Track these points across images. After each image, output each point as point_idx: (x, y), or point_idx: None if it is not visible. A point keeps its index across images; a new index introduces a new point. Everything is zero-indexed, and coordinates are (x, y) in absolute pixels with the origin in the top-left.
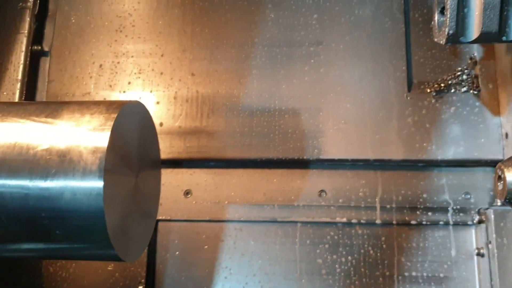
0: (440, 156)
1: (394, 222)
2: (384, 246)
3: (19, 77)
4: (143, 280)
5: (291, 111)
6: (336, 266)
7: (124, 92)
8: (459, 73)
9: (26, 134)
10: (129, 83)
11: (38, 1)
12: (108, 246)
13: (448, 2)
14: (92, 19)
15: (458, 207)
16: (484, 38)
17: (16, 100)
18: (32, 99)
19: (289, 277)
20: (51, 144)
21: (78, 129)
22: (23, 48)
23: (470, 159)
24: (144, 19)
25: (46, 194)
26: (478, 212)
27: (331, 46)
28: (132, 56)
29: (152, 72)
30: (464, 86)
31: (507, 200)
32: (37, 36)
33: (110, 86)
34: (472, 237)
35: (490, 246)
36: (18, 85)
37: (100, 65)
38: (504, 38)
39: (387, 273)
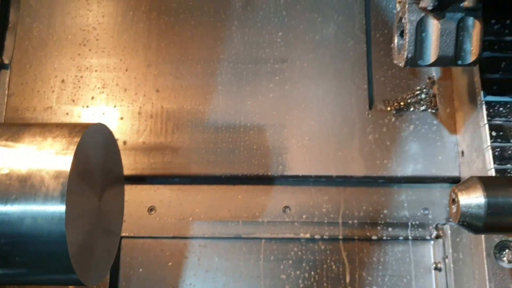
0: (399, 173)
1: (356, 237)
2: (346, 261)
3: None
4: None
5: (256, 128)
6: (300, 281)
7: (87, 106)
8: (418, 92)
9: None
10: (93, 98)
11: None
12: (70, 271)
13: (407, 26)
14: (55, 32)
15: (417, 222)
16: (441, 62)
17: None
18: None
19: None
20: (11, 168)
21: (40, 153)
22: None
23: (428, 176)
24: (109, 33)
25: (6, 219)
26: (436, 228)
27: (296, 64)
28: (96, 71)
29: (116, 87)
30: (423, 105)
31: (460, 223)
32: None
33: (73, 100)
34: (430, 252)
35: (447, 260)
36: None
37: (63, 79)
38: (460, 62)
39: None
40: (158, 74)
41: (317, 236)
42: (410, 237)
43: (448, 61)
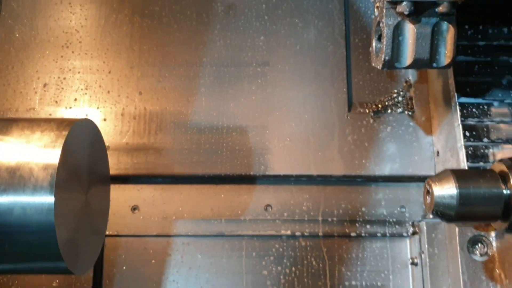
0: (377, 172)
1: (335, 234)
2: (326, 257)
3: None
4: None
5: (239, 129)
6: (281, 277)
7: (70, 108)
8: (395, 95)
9: None
10: (76, 99)
11: None
12: (59, 259)
13: (385, 30)
14: (37, 34)
15: (394, 219)
16: (417, 64)
17: None
18: None
19: None
20: (0, 160)
21: (29, 146)
22: None
23: (405, 175)
24: (92, 36)
25: None
26: (412, 224)
27: (277, 67)
28: (79, 72)
29: (99, 88)
30: (400, 107)
31: (434, 213)
32: None
33: (56, 102)
34: (407, 248)
35: (423, 255)
36: None
37: (45, 81)
38: (434, 65)
39: (329, 283)
40: (141, 76)
41: (297, 233)
42: (387, 234)
43: (424, 63)
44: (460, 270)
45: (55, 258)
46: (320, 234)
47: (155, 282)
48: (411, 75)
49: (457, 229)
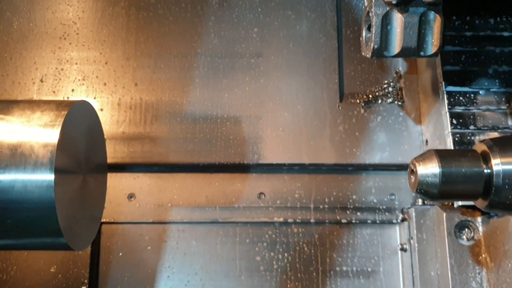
0: (368, 161)
1: (327, 221)
2: (317, 243)
3: None
4: (86, 281)
5: (233, 119)
6: (274, 262)
7: (68, 98)
8: (385, 85)
9: None
10: (73, 90)
11: None
12: (59, 235)
13: (374, 19)
14: (35, 26)
15: (384, 207)
16: (405, 53)
17: None
18: None
19: (229, 275)
20: (2, 138)
21: (29, 125)
22: None
23: (394, 163)
24: (89, 28)
25: None
26: (402, 211)
27: (270, 58)
28: (76, 63)
29: (96, 79)
30: (390, 98)
31: (418, 191)
32: None
33: (54, 92)
34: (397, 234)
35: (411, 241)
36: None
37: (43, 72)
38: (422, 53)
39: (321, 268)
40: (137, 67)
41: (290, 220)
42: (377, 221)
43: (411, 52)
44: (448, 255)
45: (55, 234)
46: (312, 221)
47: (151, 268)
48: (401, 66)
49: (444, 214)
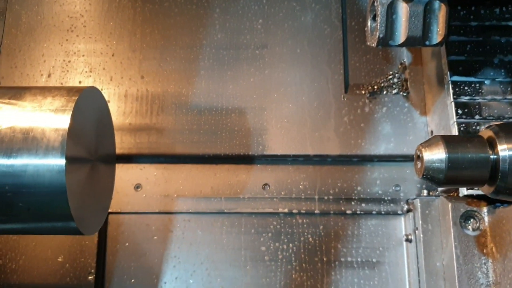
0: (372, 152)
1: (331, 212)
2: (322, 234)
3: None
4: (93, 271)
5: (237, 110)
6: (279, 253)
7: None
8: (390, 76)
9: None
10: (80, 82)
11: None
12: (69, 218)
13: (379, 9)
14: (43, 19)
15: (389, 198)
16: (410, 42)
17: None
18: None
19: (234, 264)
20: (15, 123)
21: (41, 110)
22: None
23: (399, 154)
24: (95, 20)
25: (10, 170)
26: (407, 202)
27: (275, 49)
28: (83, 55)
29: (103, 71)
30: (395, 89)
31: (424, 176)
32: None
33: (61, 84)
34: (402, 225)
35: (417, 232)
36: None
37: (51, 64)
38: (427, 43)
39: (325, 259)
40: (143, 59)
41: (294, 211)
42: (382, 212)
43: (417, 41)
44: (453, 245)
45: (65, 218)
46: (317, 211)
47: (157, 257)
48: (406, 57)
49: (450, 204)
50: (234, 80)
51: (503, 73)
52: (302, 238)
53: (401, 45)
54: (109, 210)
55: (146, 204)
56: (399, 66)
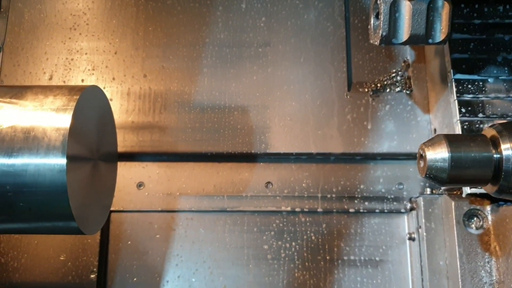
0: (376, 150)
1: (334, 210)
2: (325, 232)
3: None
4: (95, 269)
5: (240, 108)
6: (281, 251)
7: None
8: (393, 74)
9: None
10: (83, 80)
11: None
12: (70, 218)
13: (382, 7)
14: (46, 17)
15: (392, 196)
16: (413, 40)
17: None
18: None
19: (237, 263)
20: (16, 122)
21: (42, 109)
22: None
23: (402, 152)
24: (98, 18)
25: (11, 170)
26: (410, 200)
27: (278, 47)
28: (86, 53)
29: (106, 69)
30: (398, 87)
31: (427, 176)
32: None
33: (64, 82)
34: (405, 223)
35: (420, 230)
36: None
37: (54, 62)
38: (430, 41)
39: (328, 257)
40: (146, 57)
41: (297, 209)
42: (385, 210)
43: (420, 39)
44: (456, 243)
45: (66, 218)
46: (320, 210)
47: (159, 256)
48: (410, 55)
49: (453, 203)
50: (237, 78)
51: (506, 71)
52: (305, 237)
53: (404, 43)
54: (112, 208)
55: (148, 202)
56: (402, 64)
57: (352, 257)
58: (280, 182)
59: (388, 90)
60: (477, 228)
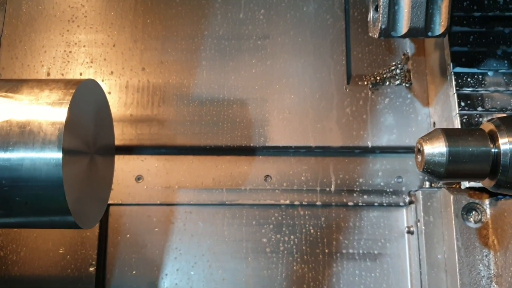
0: (375, 143)
1: (333, 203)
2: (323, 225)
3: None
4: (94, 262)
5: (239, 101)
6: (280, 244)
7: None
8: (393, 67)
9: None
10: (81, 73)
11: None
12: (66, 212)
13: (381, 0)
14: (44, 9)
15: (391, 189)
16: (412, 33)
17: None
18: None
19: (236, 256)
20: (11, 116)
21: (38, 103)
22: None
23: (402, 145)
24: (97, 10)
25: (7, 164)
26: (409, 194)
27: (277, 40)
28: (84, 46)
29: (104, 61)
30: (398, 80)
31: (425, 170)
32: None
33: (62, 74)
34: (403, 217)
35: (418, 224)
36: None
37: (52, 55)
38: (429, 34)
39: (327, 251)
40: (144, 49)
41: (296, 203)
42: (384, 204)
43: (419, 32)
44: (455, 237)
45: (63, 212)
46: (318, 203)
47: (158, 249)
48: (409, 48)
49: (452, 197)
50: (235, 71)
51: (506, 65)
52: (303, 230)
53: (404, 36)
54: (111, 202)
55: (147, 195)
56: (402, 57)
57: (350, 251)
58: (279, 175)
59: (387, 83)
60: (475, 222)
